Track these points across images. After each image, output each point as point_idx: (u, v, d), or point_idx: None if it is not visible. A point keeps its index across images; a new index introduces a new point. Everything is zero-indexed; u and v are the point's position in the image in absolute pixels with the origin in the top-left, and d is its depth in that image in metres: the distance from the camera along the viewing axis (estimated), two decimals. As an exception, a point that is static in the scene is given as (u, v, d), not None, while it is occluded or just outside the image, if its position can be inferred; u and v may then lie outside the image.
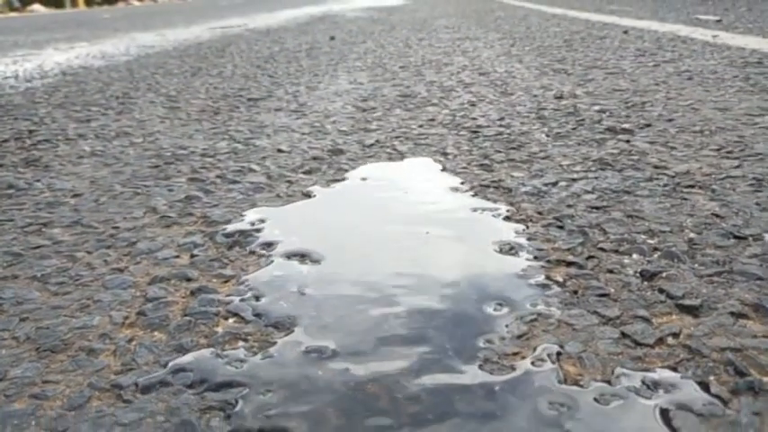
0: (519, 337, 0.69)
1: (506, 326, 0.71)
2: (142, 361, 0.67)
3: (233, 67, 3.04)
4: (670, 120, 1.61)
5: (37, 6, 16.09)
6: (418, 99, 2.03)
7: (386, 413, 0.57)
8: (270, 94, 2.24)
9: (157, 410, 0.59)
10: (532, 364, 0.64)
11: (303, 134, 1.63)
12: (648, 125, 1.56)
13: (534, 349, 0.67)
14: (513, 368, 0.63)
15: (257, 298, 0.79)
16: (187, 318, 0.75)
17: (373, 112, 1.87)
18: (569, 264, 0.85)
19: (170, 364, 0.66)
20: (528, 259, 0.87)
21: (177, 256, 0.92)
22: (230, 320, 0.74)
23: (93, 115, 1.97)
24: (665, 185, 1.14)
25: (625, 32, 3.78)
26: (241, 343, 0.70)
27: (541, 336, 0.69)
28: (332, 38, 4.32)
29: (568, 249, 0.90)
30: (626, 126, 1.55)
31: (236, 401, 0.60)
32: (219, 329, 0.72)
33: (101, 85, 2.57)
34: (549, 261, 0.86)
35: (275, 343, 0.69)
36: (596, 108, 1.77)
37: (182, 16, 8.71)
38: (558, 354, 0.66)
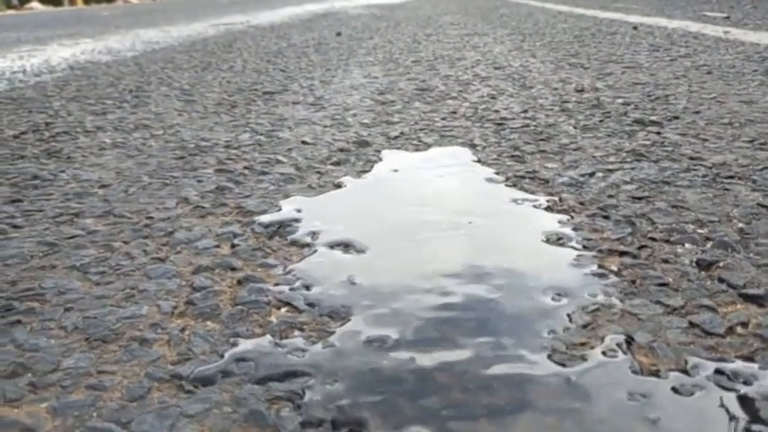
0: (584, 327, 0.67)
1: (568, 316, 0.69)
2: (199, 350, 0.65)
3: (243, 62, 3.01)
4: (697, 112, 1.59)
5: (35, 4, 16.04)
6: (436, 92, 2.01)
7: (460, 404, 0.55)
8: (285, 88, 2.22)
9: (223, 401, 0.57)
10: (603, 354, 0.62)
11: (325, 126, 1.61)
12: (676, 117, 1.54)
13: (602, 339, 0.65)
14: (583, 358, 0.62)
15: (307, 287, 0.77)
16: (238, 307, 0.73)
17: (393, 105, 1.85)
18: (622, 253, 0.84)
19: (228, 353, 0.64)
20: (578, 249, 0.85)
21: (218, 246, 0.90)
22: (283, 310, 0.72)
23: (108, 108, 1.95)
24: (705, 176, 1.12)
25: (634, 29, 3.76)
26: (298, 332, 0.68)
27: (606, 326, 0.67)
28: (338, 34, 4.30)
29: (618, 239, 0.88)
30: (654, 118, 1.54)
31: (303, 391, 0.58)
32: (273, 319, 0.70)
33: (112, 80, 2.54)
34: (600, 251, 0.84)
35: (333, 332, 0.67)
36: (620, 101, 1.75)
37: (182, 13, 8.67)
38: (629, 343, 0.64)
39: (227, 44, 3.89)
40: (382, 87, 2.14)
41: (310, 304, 0.73)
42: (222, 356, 0.63)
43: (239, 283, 0.79)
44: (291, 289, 0.76)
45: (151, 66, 2.95)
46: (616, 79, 2.10)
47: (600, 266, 0.80)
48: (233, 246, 0.90)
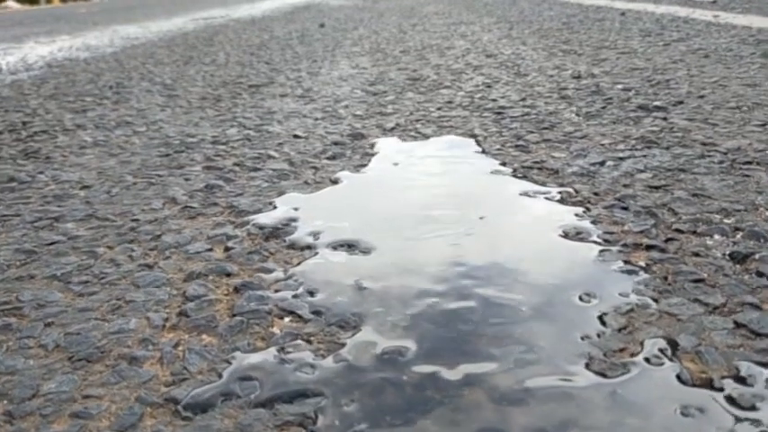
0: (620, 330, 0.61)
1: (602, 318, 0.63)
2: (195, 369, 0.58)
3: (225, 55, 2.93)
4: (701, 96, 1.54)
5: (11, 3, 15.77)
6: (429, 82, 1.95)
7: (495, 426, 0.49)
8: (271, 80, 2.15)
9: (225, 429, 0.50)
10: (647, 361, 0.56)
11: (316, 119, 1.54)
12: (680, 102, 1.49)
13: (642, 344, 0.59)
14: (625, 367, 0.55)
15: (311, 293, 0.70)
16: (237, 318, 0.66)
17: (385, 95, 1.78)
18: (648, 247, 0.78)
19: (228, 371, 0.57)
20: (600, 244, 0.79)
21: (210, 250, 0.83)
22: (286, 320, 0.66)
23: (88, 105, 1.87)
24: (721, 162, 1.06)
25: (622, 14, 3.71)
26: (305, 345, 0.61)
27: (645, 328, 0.61)
28: (321, 25, 4.22)
29: (642, 232, 0.82)
30: (658, 104, 1.48)
31: (316, 415, 0.51)
32: (276, 330, 0.64)
33: (91, 76, 2.45)
34: (625, 245, 0.78)
35: (344, 344, 0.61)
36: (620, 87, 1.70)
37: (161, 8, 8.53)
38: (672, 348, 0.58)
39: (209, 38, 3.80)
40: (372, 78, 2.07)
41: (316, 312, 0.66)
42: (221, 375, 0.57)
43: (236, 290, 0.72)
44: (294, 296, 0.70)
45: (131, 61, 2.86)
46: (612, 65, 2.04)
47: (627, 262, 0.74)
48: (227, 249, 0.83)
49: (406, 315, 0.65)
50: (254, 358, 0.59)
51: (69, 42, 4.01)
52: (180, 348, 0.61)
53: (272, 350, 0.60)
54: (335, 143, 1.31)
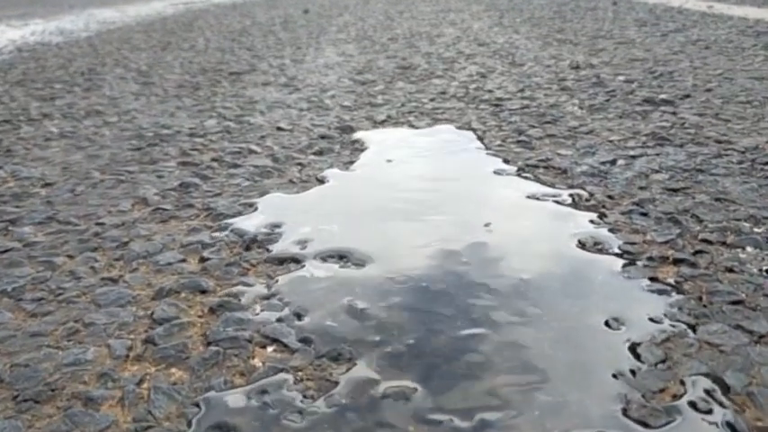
0: (656, 365, 0.52)
1: (634, 349, 0.54)
2: (161, 414, 0.49)
3: (205, 40, 2.81)
4: (708, 90, 1.46)
5: (-14, -16, 15.41)
6: (419, 71, 1.85)
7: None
8: (253, 67, 2.04)
9: (195, 497, 0.41)
10: (693, 406, 0.48)
11: (302, 110, 1.44)
12: (687, 96, 1.41)
13: (683, 383, 0.50)
14: (669, 414, 0.47)
15: (298, 316, 0.61)
16: (212, 347, 0.57)
17: (374, 85, 1.69)
18: (677, 261, 0.69)
19: (199, 418, 0.48)
20: (622, 256, 0.71)
21: (183, 260, 0.74)
22: (269, 349, 0.56)
23: (57, 93, 1.75)
24: (741, 163, 0.98)
25: (614, 3, 3.64)
26: (292, 382, 0.52)
27: (685, 363, 0.53)
28: (305, 11, 4.10)
29: (667, 242, 0.74)
30: (664, 97, 1.40)
31: (306, 478, 0.42)
32: (258, 362, 0.55)
33: (62, 62, 2.33)
34: (650, 258, 0.70)
35: (337, 382, 0.52)
36: (621, 78, 1.61)
37: (141, -8, 8.33)
38: (721, 389, 0.49)
39: (188, 23, 3.67)
40: (360, 66, 1.97)
41: (304, 340, 0.57)
42: (191, 424, 0.47)
43: (212, 311, 0.63)
44: (279, 319, 0.61)
45: (106, 46, 2.73)
46: (611, 55, 1.96)
47: (654, 279, 0.66)
48: (202, 260, 0.74)
49: (408, 345, 0.56)
50: (232, 400, 0.50)
51: (42, 26, 3.87)
52: (145, 386, 0.52)
53: (253, 389, 0.51)
54: (323, 137, 1.22)
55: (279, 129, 1.29)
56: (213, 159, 1.10)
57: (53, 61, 2.33)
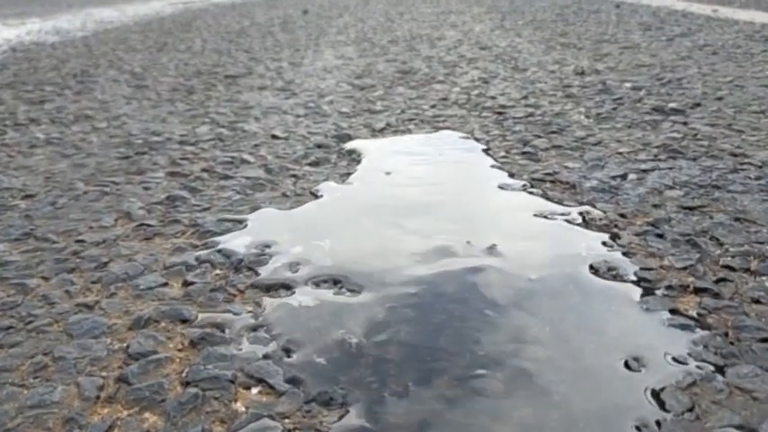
0: (683, 414, 0.47)
1: (658, 395, 0.49)
2: (130, 470, 0.43)
3: (202, 42, 2.76)
4: (719, 98, 1.40)
5: (-15, -18, 15.34)
6: (420, 75, 1.80)
7: None
8: (249, 70, 1.99)
9: None
10: (728, 467, 0.42)
11: (298, 116, 1.39)
12: (698, 105, 1.36)
13: (715, 438, 0.45)
14: (701, 475, 0.41)
15: (287, 352, 0.56)
16: (191, 389, 0.51)
17: (373, 90, 1.63)
18: (698, 290, 0.64)
19: (174, 476, 0.43)
20: (638, 284, 0.66)
21: (165, 284, 0.69)
22: (254, 391, 0.51)
23: (47, 96, 1.70)
24: (759, 179, 0.93)
25: (617, 6, 3.59)
26: (277, 432, 0.46)
27: (714, 411, 0.48)
28: (305, 12, 4.05)
29: (686, 268, 0.68)
30: (674, 106, 1.35)
31: None
32: (240, 407, 0.49)
33: (55, 62, 2.28)
34: (669, 287, 0.65)
35: (328, 432, 0.46)
36: (628, 85, 1.56)
37: (140, -9, 8.28)
38: (758, 447, 0.44)
39: (186, 23, 3.62)
40: (359, 70, 1.92)
41: (293, 381, 0.52)
42: (165, 483, 0.42)
43: (193, 345, 0.57)
44: (265, 355, 0.55)
45: (101, 47, 2.68)
46: (616, 61, 1.91)
47: (675, 312, 0.61)
48: (185, 283, 0.69)
49: (407, 387, 0.50)
50: (210, 455, 0.44)
51: (39, 25, 3.81)
52: (114, 435, 0.47)
53: (234, 441, 0.46)
54: (319, 146, 1.17)
55: (273, 137, 1.23)
56: (203, 170, 1.05)
57: (46, 62, 2.27)
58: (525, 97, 1.49)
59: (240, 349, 0.56)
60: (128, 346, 0.57)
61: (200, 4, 5.10)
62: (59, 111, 1.51)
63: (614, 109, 1.35)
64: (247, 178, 1.00)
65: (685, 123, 1.22)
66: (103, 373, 0.54)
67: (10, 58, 2.41)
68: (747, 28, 2.51)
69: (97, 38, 3.02)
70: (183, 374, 0.53)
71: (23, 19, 4.34)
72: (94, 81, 1.88)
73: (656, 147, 1.09)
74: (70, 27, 3.63)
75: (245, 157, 1.11)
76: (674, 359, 0.53)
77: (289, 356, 0.55)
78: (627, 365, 0.53)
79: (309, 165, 1.07)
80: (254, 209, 0.89)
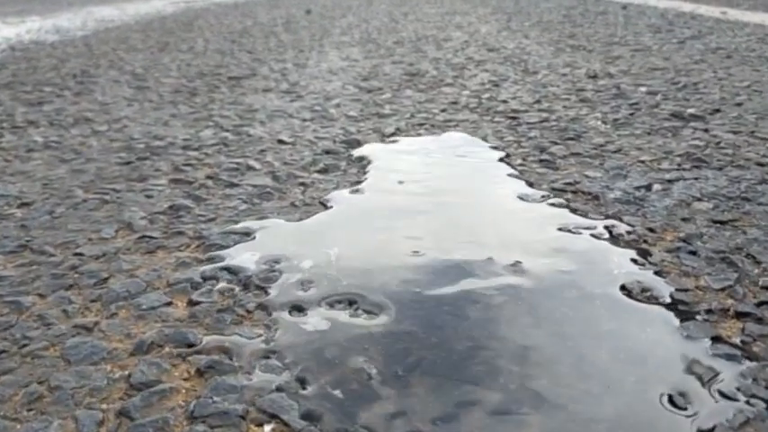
0: (739, 460, 0.43)
1: (709, 437, 0.44)
2: None
3: (204, 42, 2.72)
4: (738, 104, 1.36)
5: (-15, -21, 15.29)
6: (428, 78, 1.76)
7: None
8: (253, 72, 1.94)
9: None
10: None
11: (305, 120, 1.34)
12: (717, 111, 1.31)
13: (776, 487, 0.40)
14: None
15: (302, 383, 0.51)
16: (198, 426, 0.47)
17: (380, 93, 1.59)
18: (740, 315, 0.60)
19: None
20: (676, 307, 0.61)
21: (169, 304, 0.64)
22: (267, 429, 0.47)
23: (46, 97, 1.66)
24: (790, 190, 0.89)
25: (624, 8, 3.55)
26: (294, 478, 0.42)
27: (773, 457, 0.43)
28: (308, 11, 4.00)
29: (723, 290, 0.64)
30: (692, 111, 1.30)
31: None
32: (252, 448, 0.45)
33: (55, 62, 2.24)
34: (709, 311, 0.60)
35: (350, 478, 0.42)
36: (644, 89, 1.52)
37: (141, -10, 8.23)
38: (827, 500, 0.39)
39: (188, 22, 3.57)
40: (365, 72, 1.88)
41: (309, 417, 0.48)
42: None
43: (200, 373, 0.53)
44: (278, 387, 0.51)
45: (102, 47, 2.64)
46: (628, 64, 1.87)
47: (717, 339, 0.56)
48: (191, 303, 0.64)
49: (435, 425, 0.46)
50: (220, 505, 0.40)
51: (39, 24, 3.77)
52: (114, 479, 0.42)
53: (247, 488, 0.41)
54: (327, 151, 1.12)
55: (280, 141, 1.19)
56: (208, 177, 1.01)
57: (46, 62, 2.23)
58: (538, 101, 1.44)
59: (251, 379, 0.52)
60: (129, 375, 0.53)
61: (201, 4, 5.06)
62: (58, 113, 1.47)
63: (631, 114, 1.31)
64: (254, 186, 0.96)
65: (706, 130, 1.18)
66: (103, 406, 0.50)
67: (9, 58, 2.37)
68: (758, 31, 2.47)
69: (98, 37, 2.97)
70: (190, 408, 0.49)
71: (23, 17, 4.29)
72: (95, 82, 1.84)
73: (679, 155, 1.05)
74: (70, 26, 3.58)
75: (251, 163, 1.07)
76: (722, 394, 0.49)
77: (304, 388, 0.51)
78: (672, 401, 0.48)
79: (318, 172, 1.02)
80: (260, 218, 0.84)
